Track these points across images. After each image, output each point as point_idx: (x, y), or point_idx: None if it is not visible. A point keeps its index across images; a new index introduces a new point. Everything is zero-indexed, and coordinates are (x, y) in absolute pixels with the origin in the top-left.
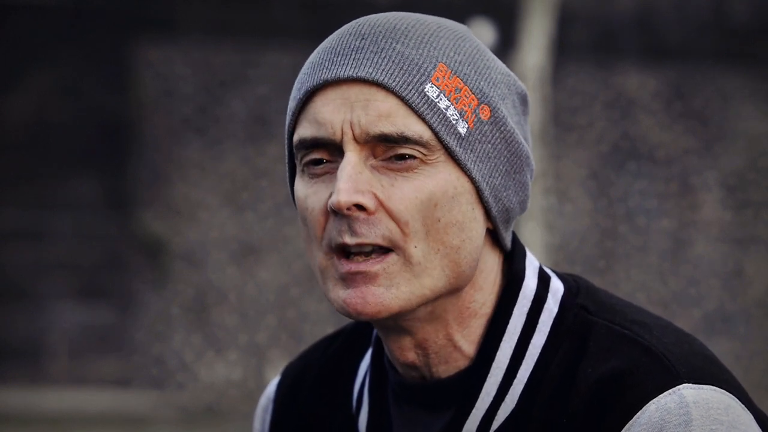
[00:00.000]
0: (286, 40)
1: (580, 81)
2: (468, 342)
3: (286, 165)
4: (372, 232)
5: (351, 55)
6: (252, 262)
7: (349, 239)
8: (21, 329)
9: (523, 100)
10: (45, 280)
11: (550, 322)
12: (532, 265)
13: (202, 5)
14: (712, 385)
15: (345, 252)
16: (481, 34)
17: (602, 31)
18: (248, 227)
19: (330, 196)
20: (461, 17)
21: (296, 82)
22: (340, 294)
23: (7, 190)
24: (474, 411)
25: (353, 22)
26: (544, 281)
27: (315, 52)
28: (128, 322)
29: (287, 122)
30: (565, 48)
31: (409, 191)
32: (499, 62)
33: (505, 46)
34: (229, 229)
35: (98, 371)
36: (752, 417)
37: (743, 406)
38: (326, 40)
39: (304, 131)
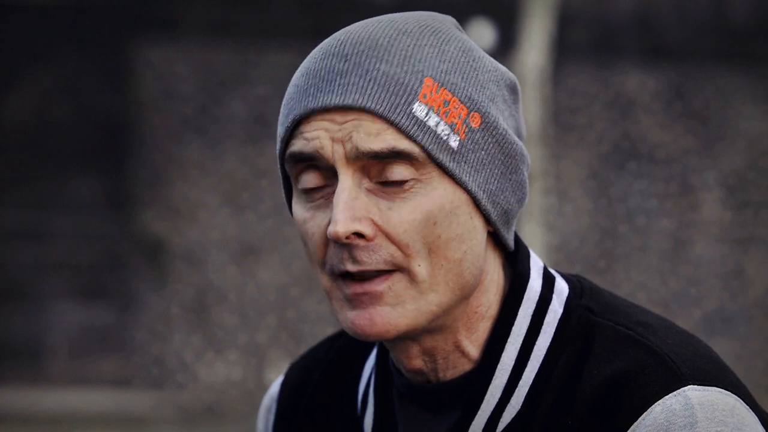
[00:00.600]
0: (286, 40)
1: (580, 81)
2: (474, 346)
3: (282, 188)
4: (373, 259)
5: (336, 80)
6: (252, 262)
7: (351, 267)
8: (21, 329)
9: (513, 90)
10: (45, 280)
11: (555, 324)
12: (536, 266)
13: (202, 5)
14: (717, 386)
15: (348, 276)
16: (481, 34)
17: (602, 31)
18: (248, 227)
19: (328, 223)
20: (461, 17)
21: (283, 105)
22: (348, 315)
23: (7, 190)
24: (479, 413)
25: (334, 38)
26: (548, 282)
27: (299, 73)
28: (128, 322)
29: (278, 147)
30: (565, 48)
31: (407, 213)
32: (485, 58)
33: (505, 46)
34: (229, 229)
35: (98, 371)
36: (757, 419)
37: (748, 407)
38: (309, 58)
39: (294, 148)
